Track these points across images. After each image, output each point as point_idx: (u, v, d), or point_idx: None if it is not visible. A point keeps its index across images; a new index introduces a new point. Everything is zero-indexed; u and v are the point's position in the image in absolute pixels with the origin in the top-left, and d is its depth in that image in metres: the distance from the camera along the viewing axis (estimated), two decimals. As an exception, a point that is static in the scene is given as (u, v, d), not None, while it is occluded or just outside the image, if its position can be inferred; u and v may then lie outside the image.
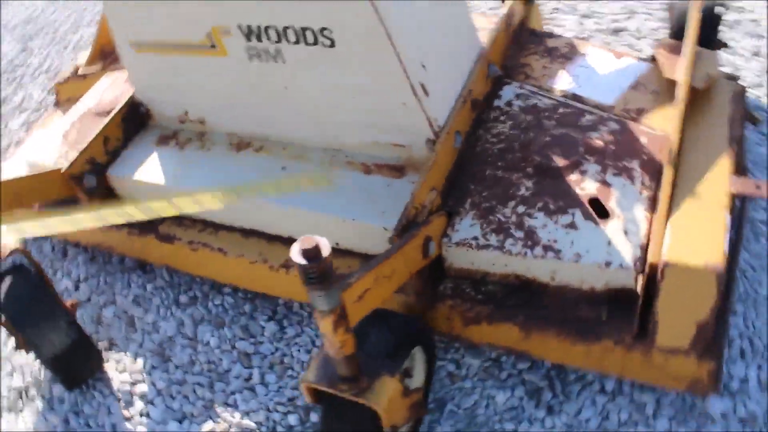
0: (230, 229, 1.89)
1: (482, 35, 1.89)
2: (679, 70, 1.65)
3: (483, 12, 2.67)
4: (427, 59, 1.59)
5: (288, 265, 1.76)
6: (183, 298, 2.06)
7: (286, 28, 1.58)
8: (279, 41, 1.62)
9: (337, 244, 1.69)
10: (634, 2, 2.73)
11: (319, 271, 1.07)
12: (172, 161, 1.99)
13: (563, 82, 1.87)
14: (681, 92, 1.61)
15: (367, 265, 1.33)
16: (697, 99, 1.69)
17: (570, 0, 2.81)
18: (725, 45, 2.08)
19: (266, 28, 1.61)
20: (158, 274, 2.14)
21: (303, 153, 1.85)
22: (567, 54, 1.96)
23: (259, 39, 1.65)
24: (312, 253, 1.05)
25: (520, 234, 1.55)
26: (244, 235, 1.87)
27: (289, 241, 1.74)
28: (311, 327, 1.91)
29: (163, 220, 1.95)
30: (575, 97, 1.82)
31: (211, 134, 2.00)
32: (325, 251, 1.06)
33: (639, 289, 1.44)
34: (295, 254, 1.06)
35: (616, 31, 2.62)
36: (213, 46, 1.74)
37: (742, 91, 1.75)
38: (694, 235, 1.44)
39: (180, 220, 1.95)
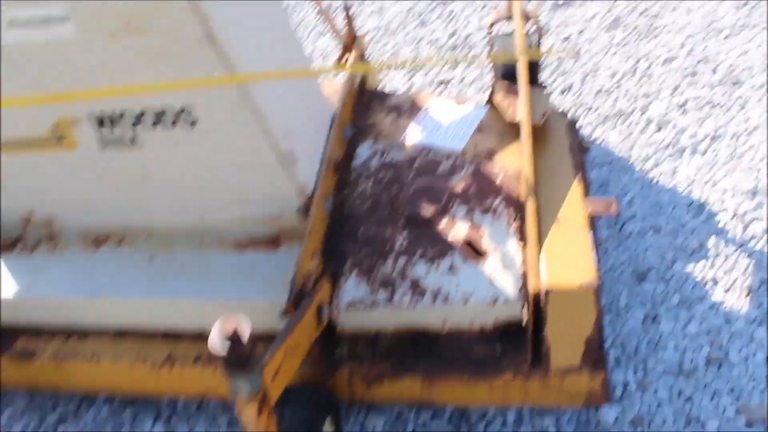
0: (99, 333, 1.77)
1: (331, 99, 1.94)
2: (520, 110, 1.79)
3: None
4: (291, 128, 1.61)
5: (173, 360, 1.67)
6: (51, 418, 1.88)
7: (142, 112, 1.54)
8: (135, 125, 1.57)
9: (223, 326, 1.64)
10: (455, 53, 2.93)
11: (243, 354, 1.04)
12: (20, 270, 1.84)
13: (413, 135, 1.96)
14: (525, 130, 1.74)
15: (275, 340, 1.31)
16: (538, 134, 1.83)
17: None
18: (544, 86, 2.27)
19: (120, 114, 1.55)
20: (13, 398, 1.94)
21: (169, 239, 1.79)
22: (411, 108, 2.06)
23: (112, 126, 1.58)
24: (235, 336, 1.02)
25: (406, 286, 1.59)
26: (116, 336, 1.76)
27: (170, 335, 1.67)
28: (202, 418, 1.83)
29: (17, 336, 1.79)
30: (428, 148, 1.91)
31: (63, 233, 1.88)
32: (247, 330, 1.04)
33: (526, 319, 1.52)
34: (216, 340, 1.03)
35: (443, 82, 2.79)
36: (60, 139, 1.65)
37: (574, 123, 1.92)
38: (566, 259, 1.54)
39: (38, 333, 1.79)
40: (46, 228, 1.88)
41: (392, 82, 2.84)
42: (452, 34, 3.06)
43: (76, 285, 1.74)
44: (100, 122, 1.57)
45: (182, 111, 1.50)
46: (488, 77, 2.76)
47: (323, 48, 3.14)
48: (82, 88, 1.51)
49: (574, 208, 1.64)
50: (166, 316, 1.70)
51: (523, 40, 1.89)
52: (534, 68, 2.14)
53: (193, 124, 1.53)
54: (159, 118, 1.53)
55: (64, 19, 1.35)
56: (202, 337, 1.68)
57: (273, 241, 1.71)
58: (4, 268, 1.84)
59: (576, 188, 1.68)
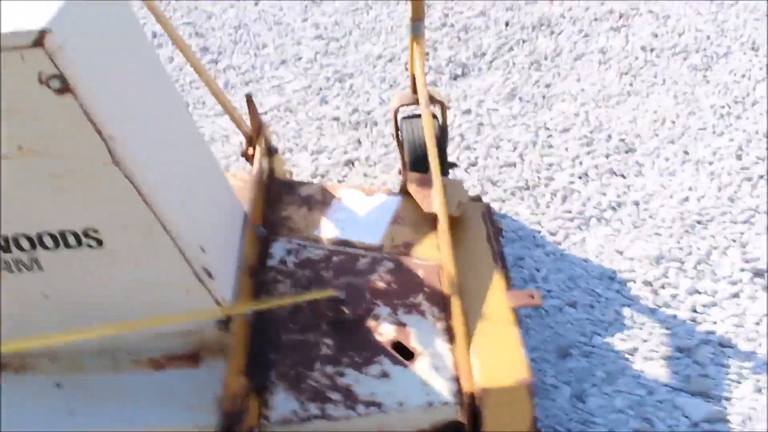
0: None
1: (239, 194, 1.88)
2: (436, 203, 1.79)
3: (227, 172, 2.67)
4: (204, 240, 1.54)
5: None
6: None
7: (40, 235, 1.43)
8: (33, 249, 1.46)
9: (144, 455, 1.53)
10: (357, 132, 2.93)
11: None
12: None
13: (328, 229, 1.92)
14: (442, 223, 1.74)
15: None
16: (454, 224, 1.83)
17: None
18: (455, 165, 2.30)
19: (15, 239, 1.44)
20: None
21: (77, 361, 1.66)
22: (322, 200, 2.02)
23: (7, 250, 1.47)
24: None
25: (337, 396, 1.53)
26: None
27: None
28: None
29: None
30: (344, 243, 1.87)
31: (-48, 361, 1.72)
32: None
33: (464, 419, 1.49)
34: None
35: (349, 162, 2.78)
36: (-53, 267, 1.52)
37: (489, 208, 1.93)
38: (497, 356, 1.53)
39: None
40: (-66, 356, 1.72)
41: (299, 164, 2.80)
42: (353, 111, 3.07)
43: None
44: (-6, 247, 1.46)
45: (86, 231, 1.41)
46: (394, 155, 2.77)
47: (224, 129, 3.08)
48: (-27, 213, 1.40)
49: (498, 302, 1.64)
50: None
51: (431, 130, 1.90)
52: (443, 156, 2.16)
53: (99, 243, 1.43)
54: (60, 239, 1.43)
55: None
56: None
57: (192, 357, 1.62)
58: None
59: (498, 281, 1.68)
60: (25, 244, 1.45)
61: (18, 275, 1.51)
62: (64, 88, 1.12)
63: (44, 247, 1.45)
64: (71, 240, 1.43)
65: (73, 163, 1.27)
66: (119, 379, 1.62)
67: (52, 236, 1.43)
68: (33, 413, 1.61)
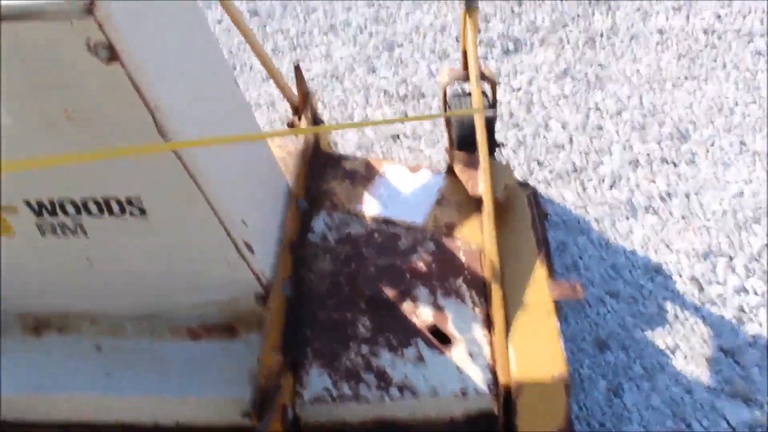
0: (45, 427, 1.65)
1: (282, 165, 1.86)
2: (482, 186, 1.75)
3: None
4: (246, 214, 1.52)
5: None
6: None
7: (85, 201, 1.43)
8: (78, 214, 1.47)
9: (177, 422, 1.55)
10: (404, 105, 2.89)
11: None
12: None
13: (371, 206, 1.90)
14: (487, 208, 1.70)
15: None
16: (499, 209, 1.79)
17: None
18: (501, 144, 2.25)
19: (61, 203, 1.45)
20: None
21: (117, 325, 1.68)
22: (366, 175, 2.00)
23: (53, 214, 1.48)
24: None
25: (371, 378, 1.52)
26: (63, 430, 1.64)
27: (122, 429, 1.57)
28: None
29: None
30: (386, 221, 1.85)
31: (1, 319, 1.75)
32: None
33: (497, 410, 1.47)
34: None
35: (395, 135, 2.74)
36: (-6, 226, 1.53)
37: (535, 193, 1.89)
38: (535, 348, 1.50)
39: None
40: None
41: (343, 136, 2.78)
42: (401, 82, 3.02)
43: (15, 378, 1.62)
44: (39, 211, 1.46)
45: (130, 200, 1.41)
46: (440, 130, 2.73)
47: (270, 94, 3.06)
48: (20, 175, 1.41)
49: (539, 292, 1.60)
50: (117, 410, 1.59)
51: (482, 113, 1.85)
52: (491, 135, 2.11)
53: (142, 212, 1.43)
54: (105, 206, 1.43)
55: (-1, 109, 1.25)
56: (157, 430, 1.60)
57: (229, 329, 1.62)
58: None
59: (540, 270, 1.64)
60: (70, 209, 1.45)
61: (63, 239, 1.52)
62: (112, 56, 1.10)
63: (89, 213, 1.45)
64: (115, 207, 1.43)
65: (119, 132, 1.26)
66: (156, 346, 1.64)
67: (97, 203, 1.43)
68: (71, 372, 1.64)
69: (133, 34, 1.13)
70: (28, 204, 1.45)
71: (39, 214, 1.47)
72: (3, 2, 1.07)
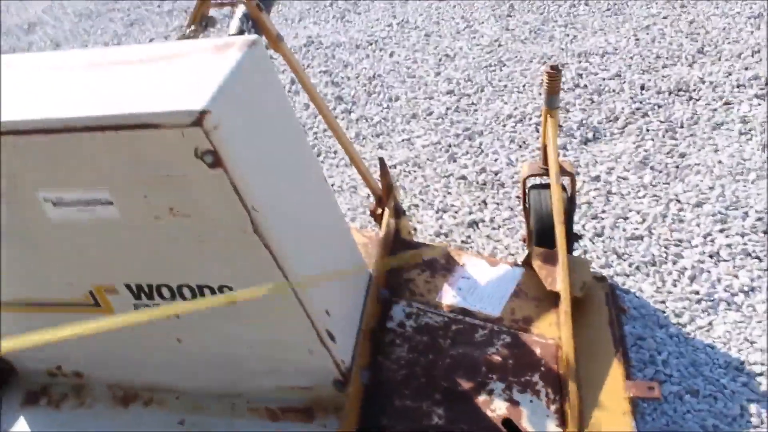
0: None
1: (361, 252, 1.94)
2: (559, 282, 1.78)
3: (353, 226, 2.75)
4: (330, 304, 1.60)
5: None
6: None
7: (181, 286, 1.54)
8: (172, 299, 1.57)
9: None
10: (484, 193, 2.95)
11: None
12: (46, 425, 1.81)
13: (449, 296, 1.94)
14: (564, 305, 1.72)
15: None
16: (577, 305, 1.81)
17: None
18: (580, 236, 2.27)
19: (158, 287, 1.56)
20: None
21: (200, 403, 1.76)
22: (445, 265, 2.05)
23: (150, 297, 1.59)
24: None
25: (444, 470, 1.54)
26: None
27: None
28: None
29: None
30: (464, 312, 1.89)
31: (91, 388, 1.86)
32: None
33: None
34: None
35: (473, 223, 2.80)
36: (96, 305, 1.65)
37: (613, 290, 1.90)
38: (610, 449, 1.50)
39: None
40: (74, 380, 1.87)
41: (423, 221, 2.85)
42: (481, 171, 3.09)
43: (104, 451, 1.71)
44: (138, 293, 1.58)
45: (222, 289, 1.50)
46: (519, 219, 2.77)
47: (352, 179, 3.18)
48: (122, 262, 1.53)
49: (615, 390, 1.60)
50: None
51: (559, 205, 1.89)
52: (570, 228, 2.14)
53: (232, 301, 1.52)
54: (198, 293, 1.53)
55: (109, 203, 1.37)
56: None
57: (306, 412, 1.68)
58: (26, 422, 1.82)
59: (617, 369, 1.65)
60: (166, 293, 1.56)
61: (156, 321, 1.62)
62: (217, 162, 1.21)
63: (183, 297, 1.55)
64: (207, 294, 1.53)
65: (218, 228, 1.36)
66: (236, 424, 1.70)
67: (191, 289, 1.53)
68: (156, 446, 1.72)
69: (236, 142, 1.24)
70: (128, 287, 1.57)
71: (137, 296, 1.59)
72: (126, 112, 1.21)
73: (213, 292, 1.52)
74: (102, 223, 1.41)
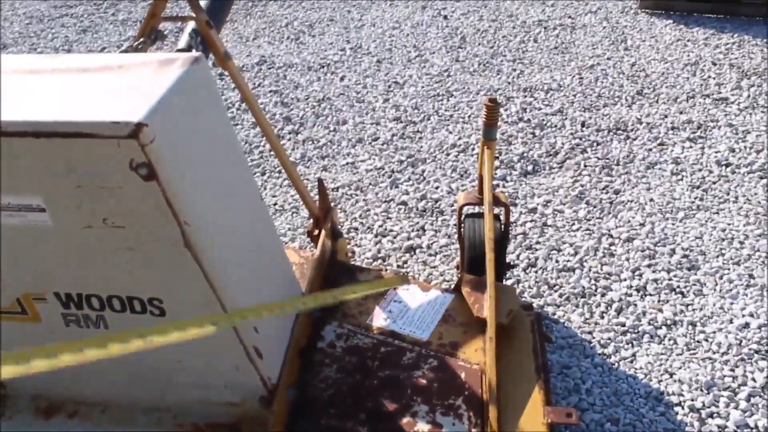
0: None
1: (297, 272, 1.96)
2: (485, 309, 1.83)
3: (291, 246, 2.77)
4: (259, 322, 1.61)
5: None
6: None
7: (111, 297, 1.54)
8: (102, 309, 1.57)
9: None
10: (423, 220, 3.01)
11: None
12: (-38, 435, 1.78)
13: (380, 318, 1.98)
14: (490, 331, 1.77)
15: None
16: (503, 332, 1.86)
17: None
18: (513, 266, 2.34)
19: (88, 297, 1.56)
20: None
21: (125, 416, 1.75)
22: (379, 288, 2.09)
23: (79, 307, 1.58)
24: None
25: (365, 489, 1.57)
26: None
27: None
28: None
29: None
30: (393, 334, 1.93)
31: (13, 399, 1.83)
32: None
33: None
34: None
35: (411, 249, 2.85)
36: (23, 312, 1.63)
37: (540, 318, 1.96)
38: (526, 473, 1.55)
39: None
40: (-4, 392, 1.84)
41: (362, 244, 2.89)
42: (422, 197, 3.15)
43: (22, 461, 1.69)
44: (66, 303, 1.57)
45: (152, 300, 1.51)
46: (455, 247, 2.83)
47: (295, 199, 3.20)
48: (53, 271, 1.52)
49: (534, 416, 1.65)
50: None
51: (491, 234, 1.95)
52: (502, 257, 2.20)
53: (162, 313, 1.53)
54: (127, 304, 1.53)
55: (41, 210, 1.37)
56: None
57: (233, 429, 1.68)
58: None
59: (538, 394, 1.70)
60: (95, 303, 1.56)
61: (84, 330, 1.62)
62: (151, 175, 1.23)
63: (112, 309, 1.55)
64: (137, 306, 1.53)
65: (150, 240, 1.37)
66: None
67: (121, 300, 1.53)
68: (76, 460, 1.70)
69: (171, 156, 1.26)
70: (57, 295, 1.56)
71: (66, 305, 1.58)
72: (62, 119, 1.22)
73: (142, 304, 1.53)
74: (34, 230, 1.41)
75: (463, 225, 2.30)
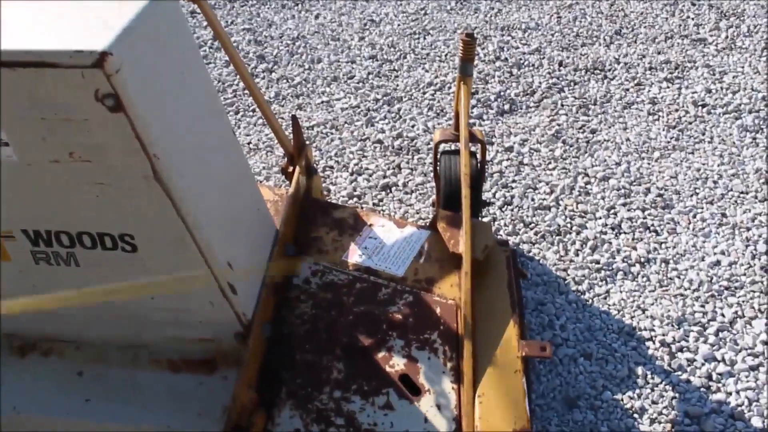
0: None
1: (271, 209, 1.94)
2: (461, 244, 1.83)
3: (265, 184, 2.74)
4: (233, 257, 1.60)
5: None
6: None
7: (81, 234, 1.51)
8: (72, 246, 1.54)
9: (150, 454, 1.60)
10: (399, 158, 2.98)
11: None
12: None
13: (355, 255, 1.97)
14: (465, 266, 1.77)
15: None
16: (479, 268, 1.86)
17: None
18: (489, 203, 2.33)
19: (57, 233, 1.53)
20: None
21: (101, 353, 1.74)
22: (354, 225, 2.08)
23: (48, 244, 1.55)
24: None
25: (340, 421, 1.58)
26: None
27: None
28: None
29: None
30: (369, 271, 1.92)
31: (-16, 338, 1.82)
32: None
33: (459, 462, 1.53)
34: None
35: (387, 187, 2.83)
36: (-9, 251, 1.61)
37: (515, 254, 1.97)
38: (500, 404, 1.57)
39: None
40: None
41: (337, 183, 2.87)
42: (398, 136, 3.12)
43: (-3, 399, 1.68)
44: (35, 240, 1.54)
45: (123, 236, 1.49)
46: (431, 185, 2.82)
47: (269, 138, 3.16)
48: (20, 206, 1.49)
49: (509, 350, 1.67)
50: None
51: (467, 170, 1.94)
52: (478, 195, 2.20)
53: (134, 249, 1.51)
54: (98, 241, 1.51)
55: (5, 144, 1.33)
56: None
57: (208, 364, 1.68)
58: None
59: (512, 329, 1.71)
60: (65, 240, 1.53)
61: (55, 268, 1.59)
62: (118, 106, 1.19)
63: (83, 245, 1.53)
64: (108, 242, 1.51)
65: (118, 174, 1.34)
66: (137, 376, 1.69)
67: (91, 236, 1.51)
68: (51, 396, 1.69)
69: (139, 86, 1.22)
70: (26, 233, 1.53)
71: (35, 243, 1.55)
72: (24, 48, 1.17)
73: (113, 240, 1.50)
74: (-1, 164, 1.38)
75: (439, 162, 2.28)
